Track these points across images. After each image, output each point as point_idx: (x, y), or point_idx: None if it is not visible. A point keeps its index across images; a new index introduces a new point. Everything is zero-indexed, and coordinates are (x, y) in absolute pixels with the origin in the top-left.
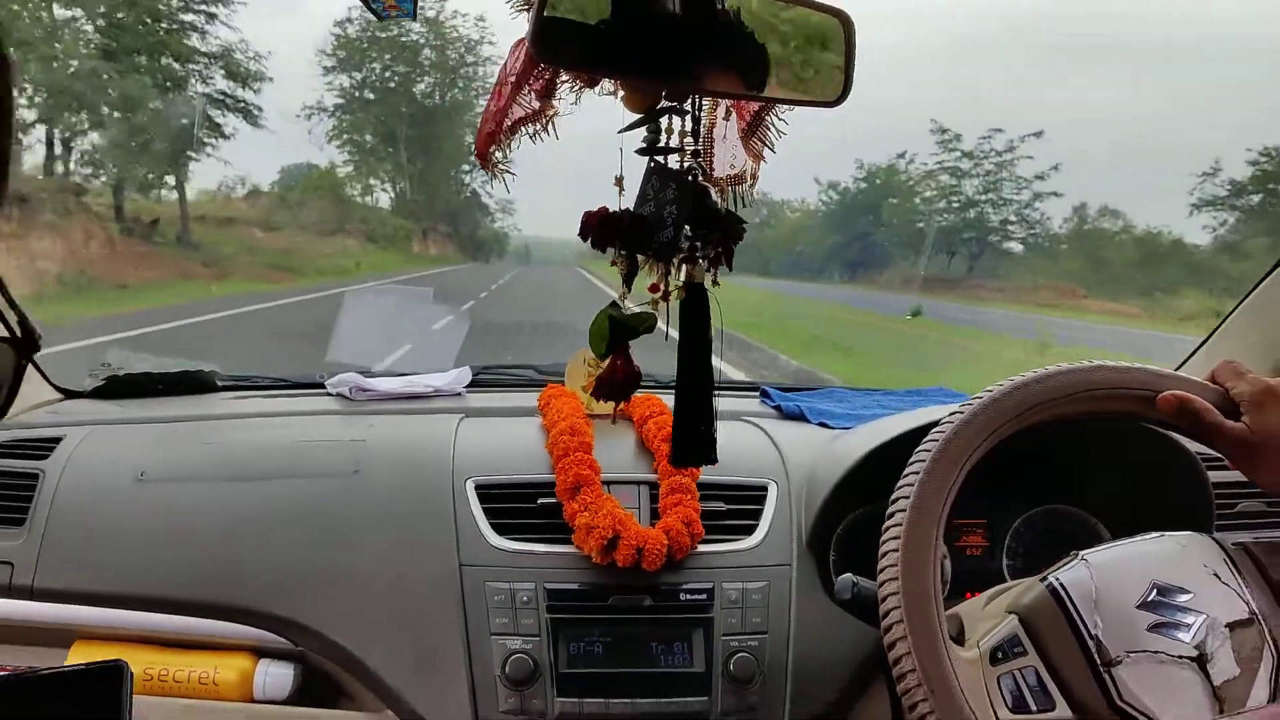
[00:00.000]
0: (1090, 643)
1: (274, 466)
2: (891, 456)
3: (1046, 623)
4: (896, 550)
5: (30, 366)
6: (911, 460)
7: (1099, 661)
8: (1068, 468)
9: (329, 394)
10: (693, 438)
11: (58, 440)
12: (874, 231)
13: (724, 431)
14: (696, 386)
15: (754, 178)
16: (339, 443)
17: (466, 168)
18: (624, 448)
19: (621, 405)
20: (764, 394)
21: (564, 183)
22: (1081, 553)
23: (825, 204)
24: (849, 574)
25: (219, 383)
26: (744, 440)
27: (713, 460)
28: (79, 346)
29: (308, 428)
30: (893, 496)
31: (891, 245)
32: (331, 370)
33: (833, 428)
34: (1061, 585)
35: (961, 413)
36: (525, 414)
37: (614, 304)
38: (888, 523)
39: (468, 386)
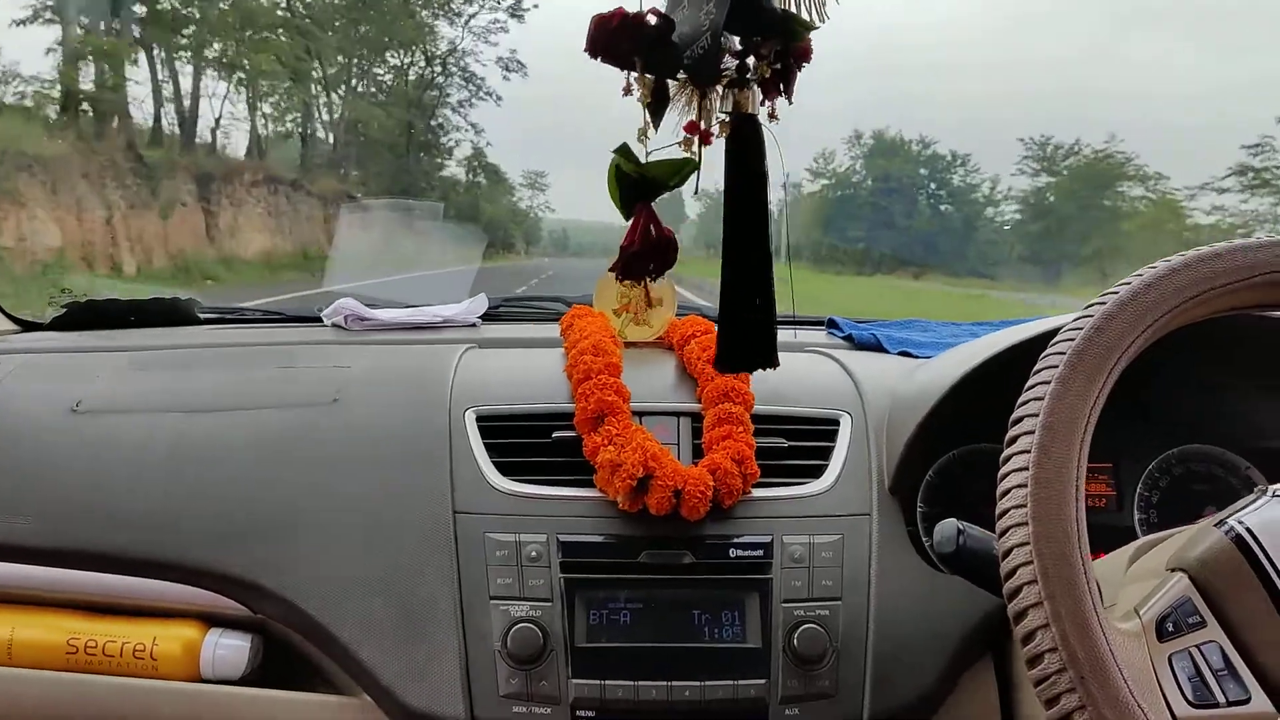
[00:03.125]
0: None
1: (237, 396)
2: (1002, 378)
3: (1230, 582)
4: (1024, 485)
5: None
6: (1039, 365)
7: None
8: (1214, 397)
9: (324, 326)
10: (746, 329)
11: None
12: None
13: (786, 361)
14: (751, 256)
15: None
16: (318, 369)
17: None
18: (662, 374)
19: (661, 330)
20: (831, 323)
21: (600, 157)
22: (1275, 487)
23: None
24: (953, 520)
25: (200, 315)
26: (809, 368)
27: (773, 362)
28: None
29: (289, 356)
30: (1015, 414)
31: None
32: (329, 301)
33: (916, 357)
34: (1249, 531)
35: (1104, 302)
36: (547, 345)
37: (623, 148)
38: (1009, 449)
39: (484, 317)
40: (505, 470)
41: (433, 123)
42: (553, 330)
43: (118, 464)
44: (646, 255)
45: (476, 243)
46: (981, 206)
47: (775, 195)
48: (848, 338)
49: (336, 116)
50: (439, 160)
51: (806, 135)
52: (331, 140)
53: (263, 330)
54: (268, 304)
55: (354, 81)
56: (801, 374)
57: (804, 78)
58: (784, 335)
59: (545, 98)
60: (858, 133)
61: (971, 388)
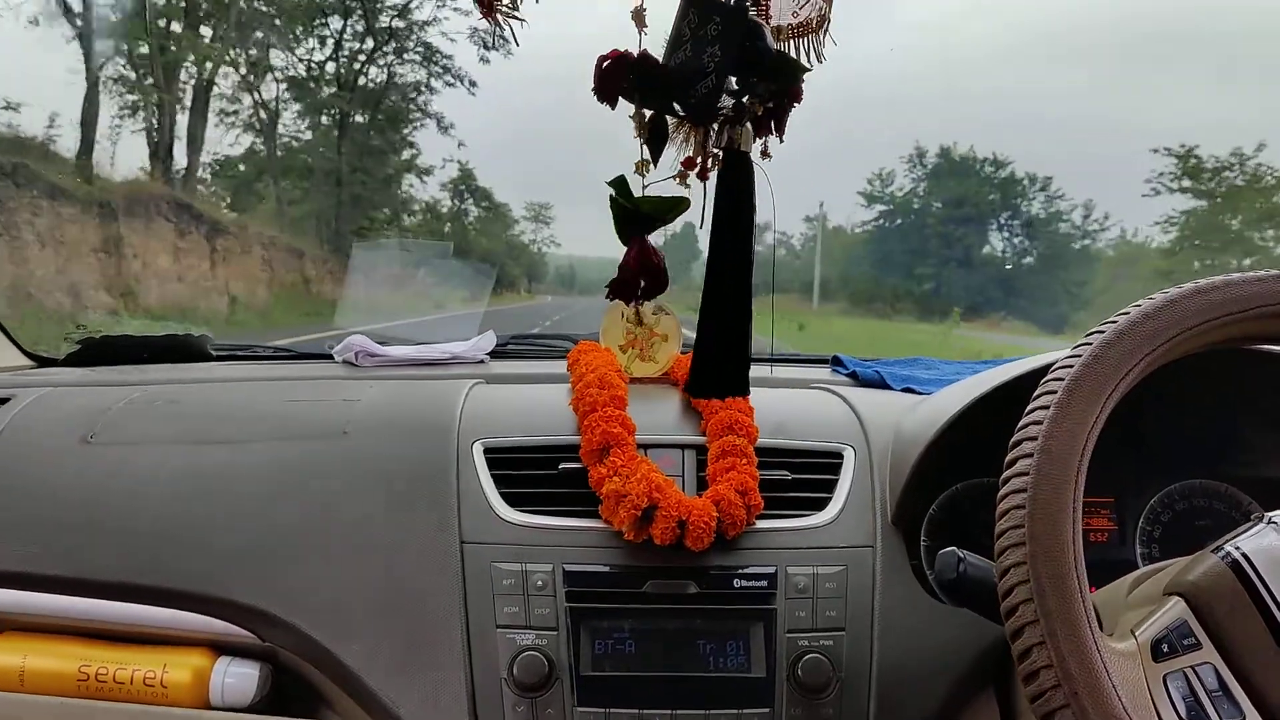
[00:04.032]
0: None
1: (249, 429)
2: (1003, 412)
3: (1225, 606)
4: (1022, 506)
5: None
6: (1039, 391)
7: None
8: (1217, 431)
9: (335, 363)
10: (719, 355)
11: (3, 401)
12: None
13: (790, 397)
14: (731, 289)
15: (824, 20)
16: (328, 403)
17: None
18: (666, 408)
19: (666, 367)
20: (836, 361)
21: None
22: (1271, 515)
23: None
24: (953, 549)
25: (212, 350)
26: (813, 403)
27: (744, 390)
28: None
29: (298, 391)
30: (1014, 438)
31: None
32: (340, 339)
33: (920, 393)
34: (1245, 556)
35: (1103, 331)
36: (554, 381)
37: (620, 180)
38: (1008, 471)
39: (492, 354)
40: (512, 501)
41: (378, 116)
42: (560, 366)
43: (129, 493)
44: (637, 278)
45: (485, 282)
46: (1068, 239)
47: (770, 232)
48: (852, 375)
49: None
50: (395, 172)
51: (860, 156)
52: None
53: (273, 365)
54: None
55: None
56: (805, 409)
57: (856, 95)
58: (789, 372)
59: (551, 132)
60: (920, 149)
61: (972, 421)
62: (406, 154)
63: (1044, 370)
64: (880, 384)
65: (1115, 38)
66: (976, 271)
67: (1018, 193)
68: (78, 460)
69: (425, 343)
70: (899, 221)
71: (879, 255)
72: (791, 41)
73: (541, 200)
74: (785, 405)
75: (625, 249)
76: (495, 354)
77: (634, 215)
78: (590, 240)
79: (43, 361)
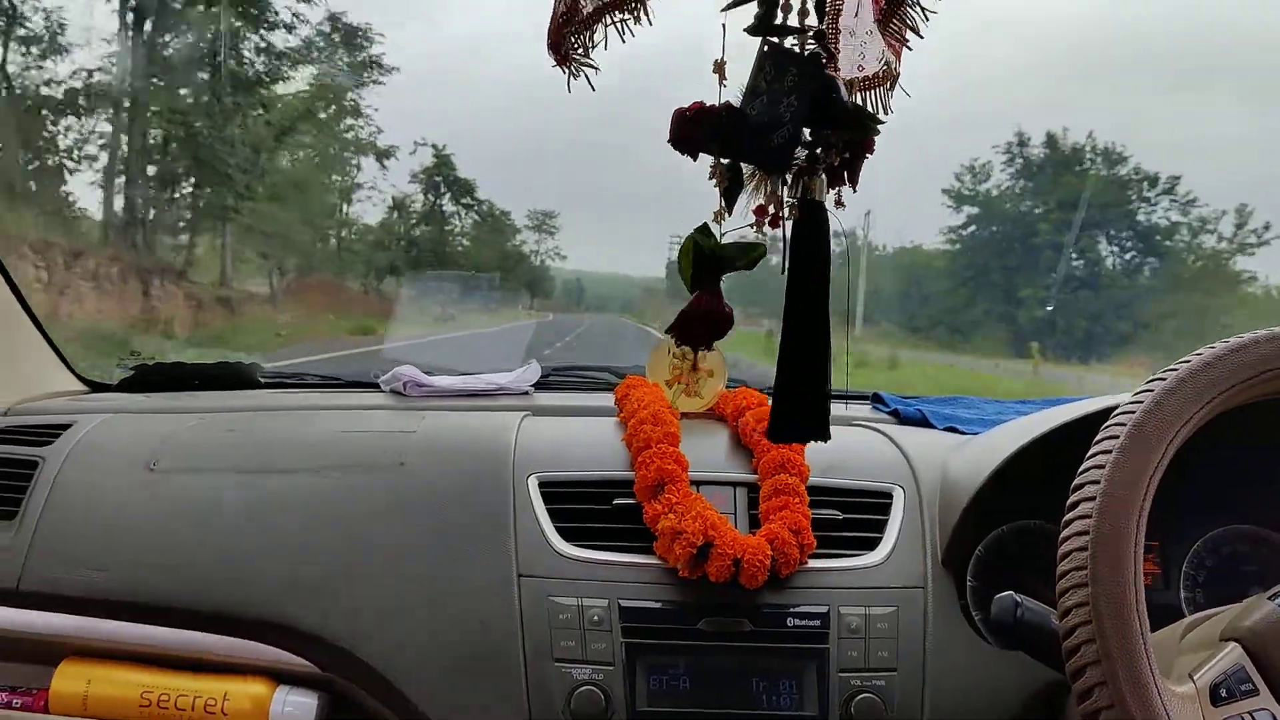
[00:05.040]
0: None
1: (307, 458)
2: (1052, 456)
3: None
4: (1085, 548)
5: (56, 356)
6: (1100, 435)
7: None
8: (1262, 476)
9: (382, 392)
10: (800, 403)
11: (65, 427)
12: None
13: (835, 435)
14: (809, 336)
15: (894, 76)
16: (384, 433)
17: None
18: (717, 444)
19: (712, 401)
20: (877, 399)
21: (615, 205)
22: None
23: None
24: (1010, 593)
25: (261, 378)
26: (860, 442)
27: (825, 435)
28: None
29: (351, 420)
30: (1076, 481)
31: None
32: (386, 368)
33: (963, 433)
34: None
35: (1164, 379)
36: (601, 414)
37: (704, 227)
38: (1070, 514)
39: (535, 386)
40: (567, 535)
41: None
42: (604, 399)
43: (191, 521)
44: (703, 323)
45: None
46: (1215, 258)
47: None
48: (893, 413)
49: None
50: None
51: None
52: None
53: (322, 394)
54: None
55: None
56: (853, 448)
57: (949, 85)
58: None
59: (558, 134)
60: (1021, 137)
61: (1022, 464)
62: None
63: (1095, 417)
64: (922, 422)
65: None
66: (1099, 296)
67: (1133, 196)
68: (142, 487)
69: (469, 373)
70: (994, 229)
71: (971, 271)
72: (860, 94)
73: (546, 209)
74: (833, 444)
75: (693, 294)
76: (539, 385)
77: (714, 261)
78: (589, 254)
79: (96, 387)
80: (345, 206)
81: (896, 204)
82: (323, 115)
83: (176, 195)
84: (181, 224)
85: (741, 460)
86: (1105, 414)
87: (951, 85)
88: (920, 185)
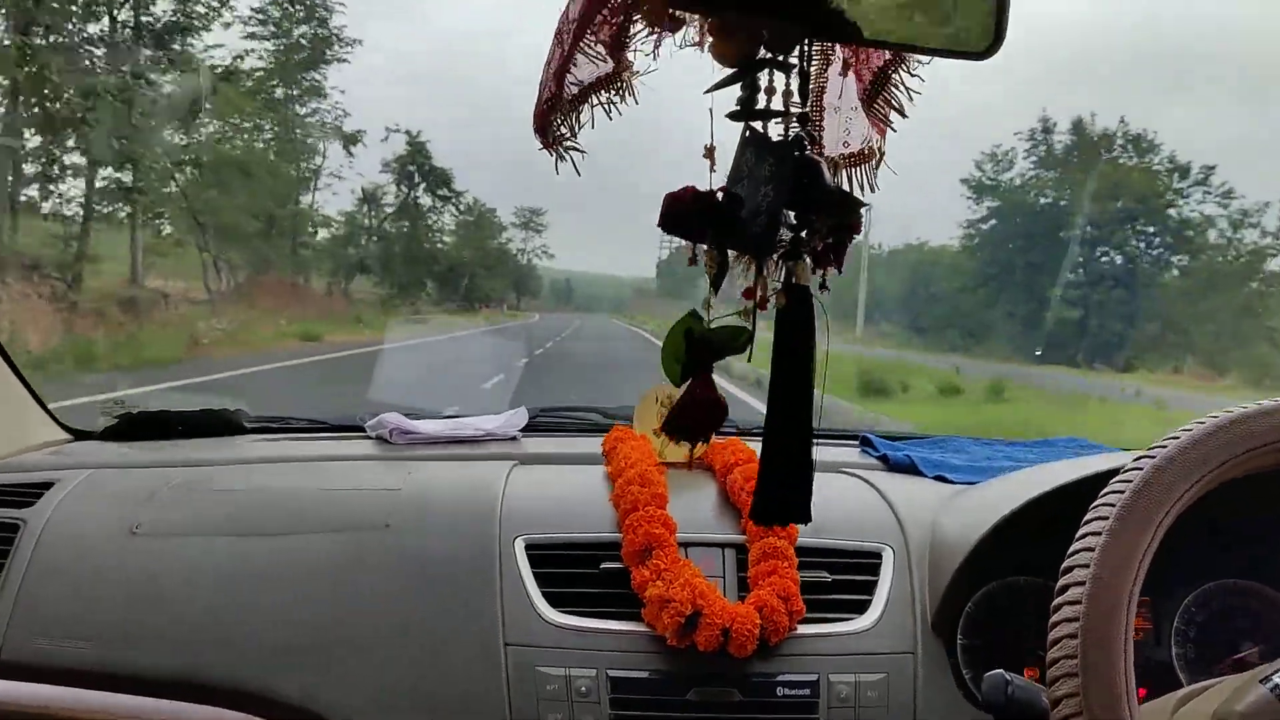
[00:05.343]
0: None
1: (291, 519)
2: (1047, 514)
3: None
4: (1075, 635)
5: (36, 405)
6: (1089, 515)
7: None
8: (1250, 533)
9: (369, 437)
10: (783, 486)
11: (48, 485)
12: None
13: (822, 485)
14: (793, 420)
15: (878, 154)
16: (369, 491)
17: None
18: (704, 502)
19: (700, 450)
20: (865, 442)
21: (606, 204)
22: None
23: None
24: (1000, 671)
25: (247, 424)
26: (848, 495)
27: (806, 518)
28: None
29: (337, 475)
30: (1065, 563)
31: None
32: (373, 411)
33: (953, 482)
34: None
35: (1153, 456)
36: (588, 461)
37: (694, 313)
38: (1059, 597)
39: (523, 430)
40: (554, 601)
41: None
42: (592, 444)
43: (174, 587)
44: (700, 413)
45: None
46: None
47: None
48: (882, 458)
49: None
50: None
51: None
52: None
53: (309, 443)
54: None
55: None
56: (842, 502)
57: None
58: (818, 452)
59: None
60: (1047, 123)
61: (1013, 524)
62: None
63: (1090, 480)
64: (911, 469)
65: None
66: (1138, 298)
67: (1160, 189)
68: (125, 553)
69: (456, 415)
70: (1017, 221)
71: (994, 269)
72: (845, 172)
73: (533, 205)
74: (822, 497)
75: (680, 385)
76: (527, 428)
77: (706, 347)
78: (579, 253)
79: (79, 435)
80: (306, 196)
81: (900, 199)
82: (275, 90)
83: (59, 172)
84: (69, 209)
85: (730, 518)
86: (1098, 478)
87: (963, 70)
88: (927, 179)
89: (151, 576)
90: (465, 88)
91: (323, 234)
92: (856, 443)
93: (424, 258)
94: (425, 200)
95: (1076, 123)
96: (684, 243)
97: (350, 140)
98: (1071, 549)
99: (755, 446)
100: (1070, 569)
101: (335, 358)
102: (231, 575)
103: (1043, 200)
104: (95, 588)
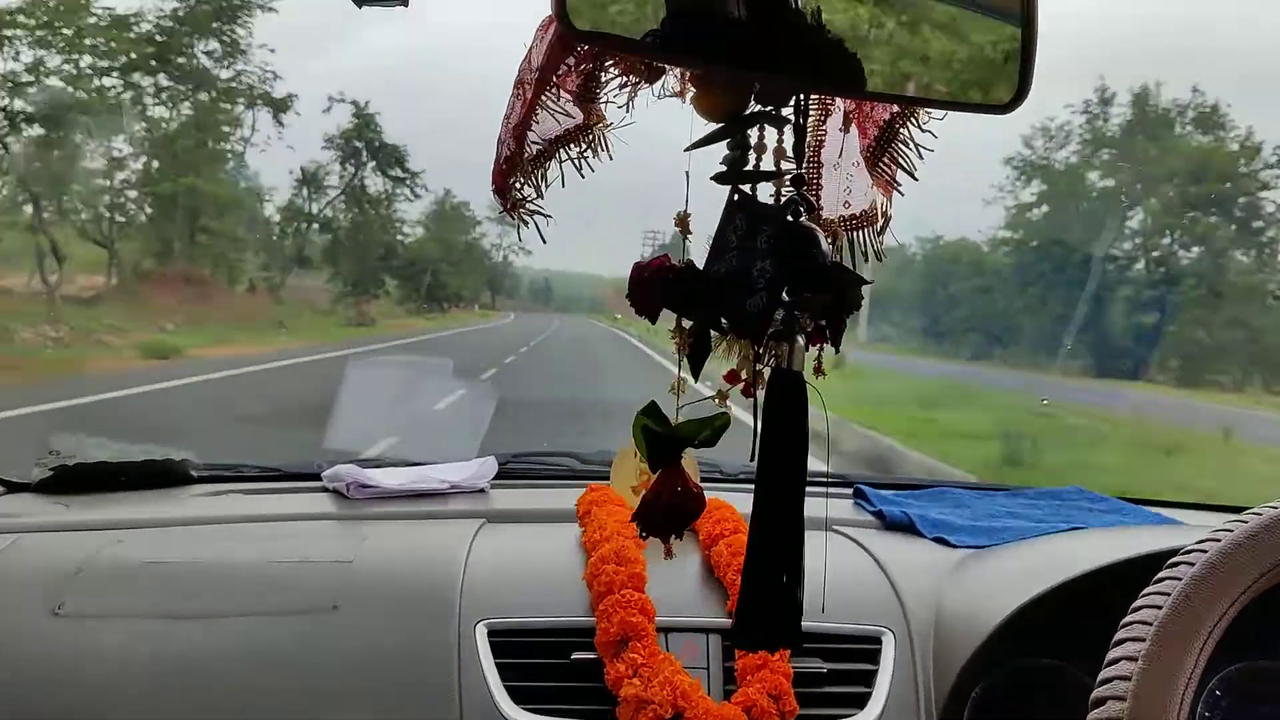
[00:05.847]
0: None
1: (231, 599)
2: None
3: None
4: None
5: None
6: (1123, 634)
7: None
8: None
9: (325, 489)
10: (768, 606)
11: None
12: None
13: (813, 551)
14: (779, 529)
15: (885, 218)
16: (317, 565)
17: None
18: (687, 578)
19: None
20: (858, 494)
21: (586, 200)
22: None
23: None
24: None
25: (194, 473)
26: (843, 567)
27: (797, 643)
28: None
29: (285, 541)
30: (1096, 693)
31: None
32: (329, 459)
33: (954, 545)
34: None
35: (1192, 563)
36: (562, 518)
37: (651, 407)
38: (1096, 711)
39: (493, 480)
40: (518, 697)
41: None
42: (567, 497)
43: (101, 676)
44: (669, 512)
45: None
46: None
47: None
48: (877, 514)
49: None
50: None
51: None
52: None
53: (259, 499)
54: None
55: None
56: (835, 573)
57: None
58: (809, 505)
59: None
60: (1104, 93)
61: (1026, 613)
62: None
63: (1097, 575)
64: (909, 527)
65: None
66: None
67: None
68: (46, 637)
69: (420, 463)
70: (1072, 209)
71: (1046, 265)
72: (845, 235)
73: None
74: (811, 568)
75: (654, 474)
76: (497, 478)
77: (670, 442)
78: (561, 252)
79: (12, 487)
80: (218, 172)
81: (905, 194)
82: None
83: None
84: None
85: (715, 597)
86: (1110, 570)
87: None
88: (936, 172)
89: (74, 667)
90: (437, 72)
91: (268, 219)
92: (850, 492)
93: (380, 251)
94: (375, 182)
95: (1141, 92)
96: (666, 240)
97: (279, 107)
98: (1105, 673)
99: (742, 502)
100: (1104, 700)
101: (189, 383)
102: (160, 668)
103: (1103, 184)
104: (14, 676)
